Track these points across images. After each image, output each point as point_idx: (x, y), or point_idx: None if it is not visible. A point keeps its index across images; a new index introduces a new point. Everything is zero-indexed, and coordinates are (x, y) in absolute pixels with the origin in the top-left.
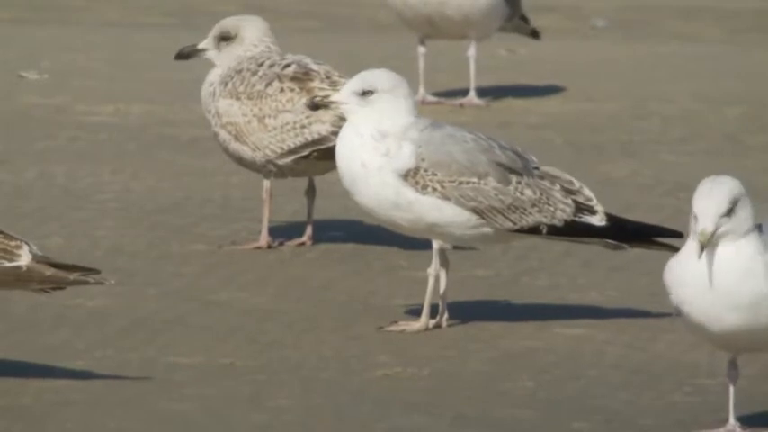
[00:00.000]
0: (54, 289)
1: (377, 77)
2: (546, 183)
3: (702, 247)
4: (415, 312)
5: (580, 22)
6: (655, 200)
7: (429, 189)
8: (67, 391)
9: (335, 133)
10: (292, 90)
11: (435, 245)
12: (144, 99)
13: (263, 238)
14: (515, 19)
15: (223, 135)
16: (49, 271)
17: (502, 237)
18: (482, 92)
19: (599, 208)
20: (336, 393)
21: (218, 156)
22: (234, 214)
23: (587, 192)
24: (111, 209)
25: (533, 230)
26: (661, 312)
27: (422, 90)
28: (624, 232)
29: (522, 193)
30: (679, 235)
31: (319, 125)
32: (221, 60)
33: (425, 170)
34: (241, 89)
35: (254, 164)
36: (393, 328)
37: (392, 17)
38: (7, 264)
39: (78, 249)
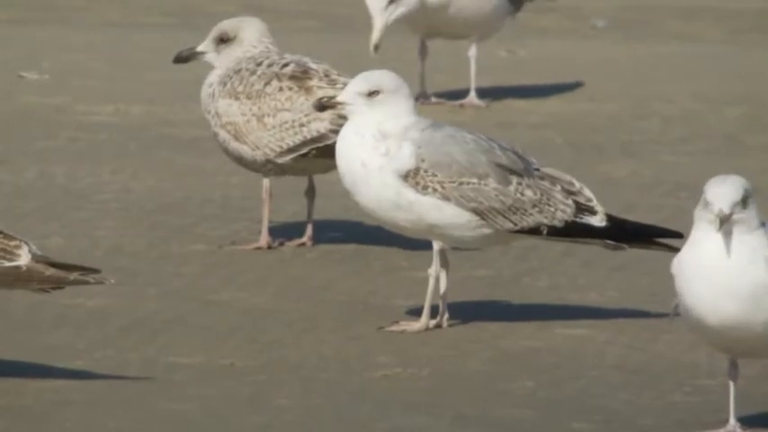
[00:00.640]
0: (54, 289)
1: (381, 78)
2: (546, 183)
3: (721, 223)
4: (416, 313)
5: (580, 22)
6: (655, 200)
7: (429, 190)
8: (67, 391)
9: (334, 131)
10: (291, 89)
11: (436, 246)
12: (144, 99)
13: (263, 239)
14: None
15: (223, 135)
16: (49, 271)
17: (502, 237)
18: (482, 92)
19: (599, 208)
20: (336, 393)
21: (218, 156)
22: (234, 214)
23: (587, 192)
24: (112, 209)
25: (534, 231)
26: (661, 312)
27: (423, 90)
28: (624, 233)
29: (522, 194)
30: (679, 235)
31: (318, 123)
32: (220, 62)
33: (425, 171)
34: (240, 89)
35: (253, 163)
36: (393, 328)
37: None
38: (7, 263)
39: (78, 249)
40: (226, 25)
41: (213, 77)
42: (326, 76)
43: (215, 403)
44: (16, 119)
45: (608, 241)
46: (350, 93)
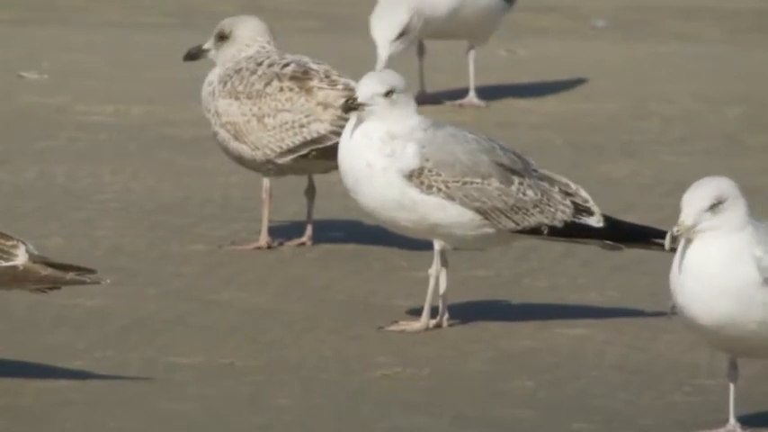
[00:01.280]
0: (50, 289)
1: (392, 77)
2: (545, 184)
3: (674, 238)
4: (416, 313)
5: (580, 22)
6: (655, 200)
7: (434, 189)
8: (67, 391)
9: (334, 132)
10: (291, 89)
11: (436, 246)
12: (144, 99)
13: (263, 238)
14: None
15: (222, 134)
16: (46, 271)
17: (503, 237)
18: (482, 92)
19: (596, 209)
20: (336, 393)
21: (218, 155)
22: (234, 214)
23: (584, 193)
24: (112, 209)
25: (534, 231)
26: (661, 312)
27: (422, 89)
28: (621, 233)
29: (524, 194)
30: None
31: (318, 124)
32: (219, 59)
33: (430, 170)
34: (240, 89)
35: (253, 163)
36: (393, 328)
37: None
38: (4, 263)
39: (78, 249)
40: (224, 23)
41: (213, 76)
42: (327, 76)
43: (215, 403)
44: (16, 119)
45: (606, 241)
46: (368, 94)
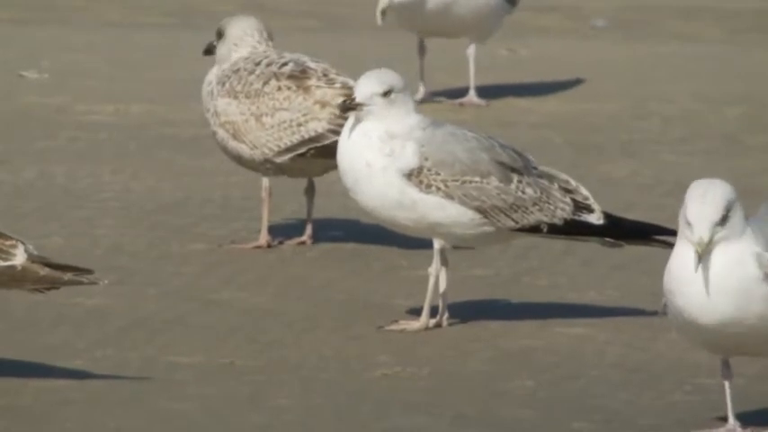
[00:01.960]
0: (48, 289)
1: (391, 77)
2: (545, 181)
3: (700, 258)
4: (416, 312)
5: (580, 22)
6: (655, 200)
7: (433, 188)
8: (67, 391)
9: (332, 131)
10: (289, 88)
11: (436, 244)
12: (144, 99)
13: (263, 238)
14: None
15: (221, 134)
16: (44, 271)
17: (503, 236)
18: (482, 91)
19: (596, 206)
20: (336, 393)
21: (218, 155)
22: (234, 214)
23: (584, 190)
24: (112, 208)
25: (534, 229)
26: (653, 311)
27: (422, 89)
28: (621, 230)
29: (523, 192)
30: (674, 233)
31: (316, 123)
32: (216, 58)
33: (429, 169)
34: (239, 88)
35: (252, 162)
36: (393, 327)
37: (391, 17)
38: (2, 263)
39: (78, 249)
40: (222, 22)
41: (211, 76)
42: (325, 75)
43: (215, 403)
44: (16, 119)
45: (606, 239)
46: (367, 94)
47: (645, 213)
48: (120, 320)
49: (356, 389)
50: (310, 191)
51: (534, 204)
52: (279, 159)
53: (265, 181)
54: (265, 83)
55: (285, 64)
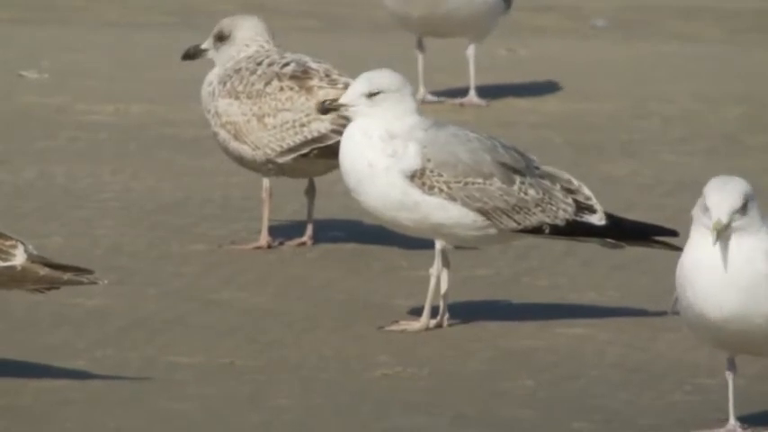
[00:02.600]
0: (48, 289)
1: (383, 78)
2: (547, 182)
3: (717, 235)
4: (416, 312)
5: (580, 21)
6: (655, 200)
7: (435, 190)
8: (67, 391)
9: (335, 131)
10: (291, 89)
11: (438, 245)
12: (144, 99)
13: (263, 238)
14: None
15: (222, 134)
16: (43, 271)
17: (505, 236)
18: (482, 91)
19: (598, 207)
20: (336, 393)
21: (218, 156)
22: (234, 214)
23: (586, 191)
24: (112, 208)
25: (536, 230)
26: (661, 312)
27: (422, 89)
28: (623, 231)
29: (525, 193)
30: (675, 234)
31: (319, 123)
32: (218, 60)
33: (431, 171)
34: (240, 88)
35: (253, 163)
36: (394, 327)
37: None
38: (2, 263)
39: (78, 249)
40: (224, 23)
41: (212, 76)
42: (327, 75)
43: (215, 403)
44: (16, 119)
45: (608, 239)
46: (352, 94)
47: (645, 213)
48: (120, 320)
49: (356, 389)
50: (311, 191)
51: (536, 205)
52: (281, 160)
53: (266, 181)
54: (267, 83)
55: (287, 64)
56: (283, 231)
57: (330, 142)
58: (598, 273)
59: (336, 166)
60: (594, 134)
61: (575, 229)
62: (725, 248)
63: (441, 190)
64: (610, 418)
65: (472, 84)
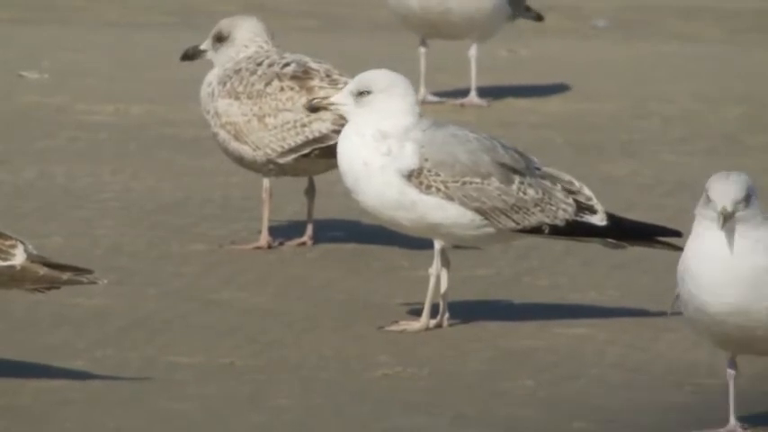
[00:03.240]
0: (48, 289)
1: (372, 78)
2: (547, 182)
3: (725, 220)
4: (416, 312)
5: (580, 22)
6: (655, 200)
7: (433, 189)
8: (67, 391)
9: (336, 131)
10: (292, 89)
11: (437, 245)
12: (144, 99)
13: (264, 238)
14: (518, 17)
15: (223, 135)
16: (43, 270)
17: (504, 236)
18: (483, 91)
19: (599, 207)
20: (336, 393)
21: (218, 156)
22: (234, 214)
23: (587, 191)
24: (112, 208)
25: (536, 230)
26: (661, 312)
27: (423, 90)
28: (624, 231)
29: (524, 193)
30: (678, 234)
31: (320, 123)
32: (218, 60)
33: (429, 170)
34: (240, 89)
35: (254, 163)
36: (393, 327)
37: (392, 17)
38: (1, 263)
39: (78, 249)
40: (223, 24)
41: (212, 77)
42: (328, 76)
43: (215, 403)
44: (16, 119)
45: (609, 240)
46: (343, 93)
47: (645, 213)
48: (120, 320)
49: (356, 389)
50: (311, 191)
51: (536, 205)
52: (282, 160)
53: (266, 182)
54: (267, 83)
55: (287, 64)
56: (283, 231)
57: (331, 142)
58: (598, 272)
59: (336, 165)
60: (595, 134)
61: (575, 230)
62: (727, 241)
63: (438, 189)
64: (610, 417)
65: (473, 84)
